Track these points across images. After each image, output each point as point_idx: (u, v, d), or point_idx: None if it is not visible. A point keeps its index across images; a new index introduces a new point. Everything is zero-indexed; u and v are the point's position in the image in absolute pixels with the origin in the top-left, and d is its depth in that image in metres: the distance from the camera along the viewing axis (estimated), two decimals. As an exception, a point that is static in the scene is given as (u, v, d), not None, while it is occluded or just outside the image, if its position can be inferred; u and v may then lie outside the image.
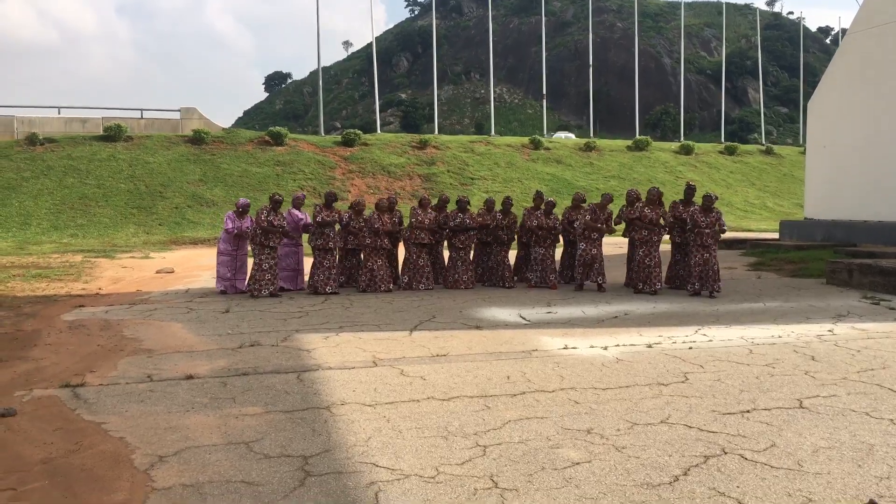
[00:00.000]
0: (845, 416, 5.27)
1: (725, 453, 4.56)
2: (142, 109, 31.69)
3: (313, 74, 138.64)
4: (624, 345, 7.84)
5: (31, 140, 26.59)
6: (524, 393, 5.99)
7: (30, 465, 4.48)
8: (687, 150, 38.78)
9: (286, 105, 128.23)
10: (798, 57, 61.71)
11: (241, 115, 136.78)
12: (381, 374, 6.68)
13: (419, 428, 5.12)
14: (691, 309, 10.18)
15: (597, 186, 31.69)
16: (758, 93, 63.96)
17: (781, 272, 14.42)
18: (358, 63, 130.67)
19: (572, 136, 53.25)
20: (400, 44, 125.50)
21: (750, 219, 31.20)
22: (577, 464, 4.42)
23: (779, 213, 31.15)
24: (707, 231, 11.19)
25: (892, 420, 5.18)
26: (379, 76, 47.53)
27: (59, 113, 29.50)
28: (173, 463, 4.49)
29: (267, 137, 31.10)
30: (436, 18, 55.54)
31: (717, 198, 11.50)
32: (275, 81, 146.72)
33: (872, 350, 7.42)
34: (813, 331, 8.47)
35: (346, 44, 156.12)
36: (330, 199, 12.17)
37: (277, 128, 32.55)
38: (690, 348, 7.64)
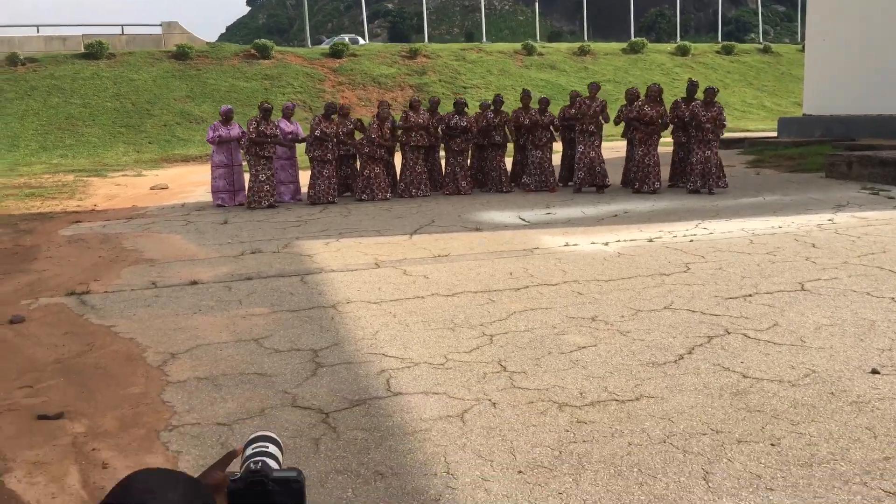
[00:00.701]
0: (846, 297, 5.32)
1: (729, 333, 4.62)
2: (122, 25, 30.77)
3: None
4: (625, 240, 7.86)
5: (12, 60, 25.87)
6: (527, 287, 6.02)
7: (43, 365, 4.53)
8: (683, 52, 37.94)
9: (270, 19, 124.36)
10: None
11: (223, 31, 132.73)
12: (384, 274, 6.70)
13: (425, 321, 5.16)
14: (691, 205, 10.17)
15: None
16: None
17: (780, 168, 14.34)
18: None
19: None
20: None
21: (748, 118, 30.85)
22: (583, 347, 4.48)
23: (777, 113, 30.77)
24: (707, 126, 11.04)
25: (893, 298, 5.23)
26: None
27: (38, 31, 28.59)
28: (185, 359, 4.55)
29: (253, 51, 30.27)
30: (422, -80, 53.27)
31: (717, 91, 11.31)
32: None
33: (872, 236, 7.45)
34: (813, 221, 8.48)
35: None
36: (330, 111, 11.93)
37: (263, 40, 31.65)
38: (691, 241, 7.66)
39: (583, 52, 36.36)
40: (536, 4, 50.50)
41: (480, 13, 49.85)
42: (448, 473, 3.03)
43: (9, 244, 8.95)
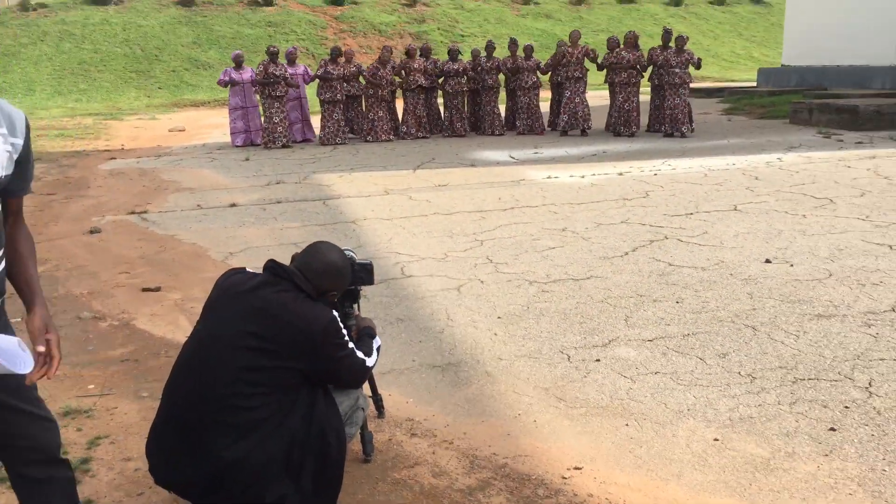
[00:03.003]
0: (768, 214, 6.61)
1: (667, 239, 5.91)
2: (127, -29, 31.24)
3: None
4: (599, 174, 9.10)
5: (24, 5, 26.62)
6: (513, 208, 7.29)
7: (131, 259, 5.82)
8: (676, 2, 38.57)
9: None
10: None
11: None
12: (393, 199, 7.96)
13: (429, 232, 6.45)
14: (663, 147, 11.37)
15: (587, 40, 31.92)
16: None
17: (751, 115, 15.51)
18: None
19: None
20: None
21: (735, 69, 31.78)
22: (553, 248, 5.77)
23: (764, 63, 31.65)
24: (677, 71, 12.16)
25: (804, 216, 6.52)
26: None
27: (45, -24, 29.18)
28: (242, 256, 5.83)
29: (256, -2, 30.95)
30: None
31: (687, 39, 12.42)
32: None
33: (809, 171, 8.70)
34: (764, 159, 9.72)
35: None
36: (335, 53, 13.02)
37: (265, -13, 32.25)
38: (655, 174, 8.91)
39: (578, 1, 36.95)
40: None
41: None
42: (448, 319, 4.34)
43: (59, 176, 10.16)
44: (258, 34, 28.46)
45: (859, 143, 10.83)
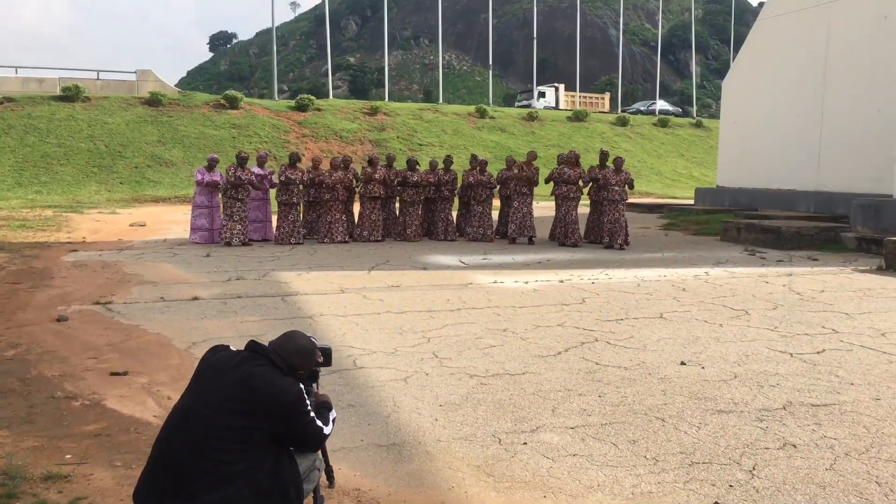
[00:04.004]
0: (689, 322, 7.30)
1: (597, 341, 6.52)
2: (98, 70, 32.33)
3: (260, 35, 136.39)
4: (541, 280, 9.79)
5: (-9, 100, 27.25)
6: (460, 309, 7.87)
7: (98, 346, 6.17)
8: (623, 122, 41.10)
9: (232, 66, 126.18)
10: (739, 32, 64.36)
11: (184, 74, 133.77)
12: (348, 297, 8.48)
13: (381, 328, 6.95)
14: (602, 257, 12.20)
15: (539, 155, 33.69)
16: (698, 66, 66.96)
17: (687, 231, 16.64)
18: (305, 25, 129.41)
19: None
20: (349, 6, 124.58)
21: (676, 187, 33.72)
22: (493, 346, 6.32)
23: (703, 182, 33.66)
24: (617, 189, 13.20)
25: (720, 324, 7.23)
26: (326, 40, 48.34)
27: (16, 73, 30.01)
28: (204, 346, 6.22)
29: (222, 101, 32.11)
30: (386, -16, 56.25)
31: (624, 160, 13.56)
32: (220, 41, 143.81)
33: (731, 285, 9.53)
34: (692, 272, 10.56)
35: (294, 4, 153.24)
36: (294, 159, 13.81)
37: (233, 92, 33.56)
38: (593, 283, 9.64)
39: (531, 117, 39.06)
40: (491, 69, 53.52)
41: (438, 72, 52.30)
42: (394, 405, 4.80)
43: (23, 266, 10.46)
44: (222, 135, 29.40)
45: (780, 261, 11.81)
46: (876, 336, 6.79)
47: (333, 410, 3.11)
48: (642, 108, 53.46)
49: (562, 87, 55.19)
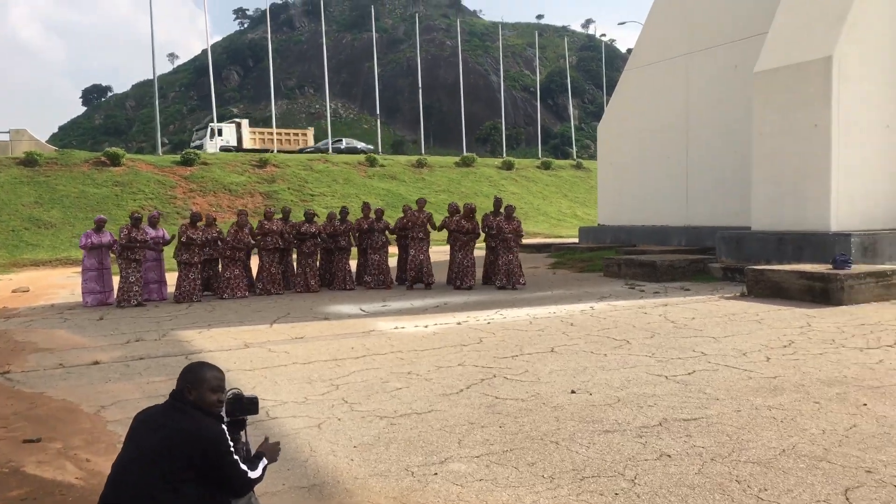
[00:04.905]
0: (577, 354, 7.93)
1: (495, 377, 7.02)
2: (-35, 130, 30.85)
3: (136, 87, 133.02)
4: (440, 324, 10.26)
5: None
6: (364, 356, 8.20)
7: (5, 415, 6.13)
8: (508, 166, 42.76)
9: (107, 120, 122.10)
10: (611, 76, 68.29)
11: (55, 130, 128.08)
12: (253, 351, 8.65)
13: (290, 379, 7.20)
14: (496, 298, 12.84)
15: (429, 200, 34.53)
16: (576, 109, 70.94)
17: (573, 269, 17.63)
18: (185, 76, 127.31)
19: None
20: (230, 57, 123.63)
21: (562, 226, 35.32)
22: (400, 388, 6.70)
23: (587, 221, 35.43)
24: (510, 235, 13.96)
25: (605, 354, 7.89)
26: (210, 90, 47.96)
27: None
28: (114, 409, 6.30)
29: (103, 158, 31.25)
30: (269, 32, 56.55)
31: (514, 208, 14.36)
32: (93, 95, 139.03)
33: (613, 317, 10.32)
34: (579, 308, 11.33)
35: (172, 56, 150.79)
36: (195, 219, 13.82)
37: (114, 148, 32.75)
38: (489, 323, 10.20)
39: (420, 164, 40.01)
40: (378, 117, 54.48)
41: (326, 120, 52.68)
42: (311, 450, 5.09)
43: None
44: (104, 193, 28.59)
45: (656, 292, 12.81)
46: (738, 356, 7.62)
47: (265, 460, 3.40)
48: (341, 147, 47.58)
49: (245, 122, 51.60)
